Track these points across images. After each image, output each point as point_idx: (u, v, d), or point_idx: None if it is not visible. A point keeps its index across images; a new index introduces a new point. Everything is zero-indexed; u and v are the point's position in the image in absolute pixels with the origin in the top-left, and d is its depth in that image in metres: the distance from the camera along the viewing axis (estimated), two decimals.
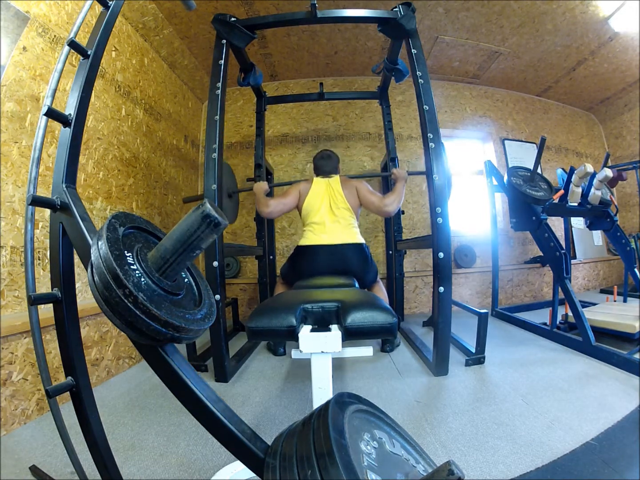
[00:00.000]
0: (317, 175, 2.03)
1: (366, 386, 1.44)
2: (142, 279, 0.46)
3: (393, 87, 2.74)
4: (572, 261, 3.34)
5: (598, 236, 3.94)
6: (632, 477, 0.81)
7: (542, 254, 2.41)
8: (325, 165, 2.02)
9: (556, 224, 3.08)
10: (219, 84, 1.66)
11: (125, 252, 0.48)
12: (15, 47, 1.35)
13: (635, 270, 2.28)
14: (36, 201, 0.64)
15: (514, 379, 1.44)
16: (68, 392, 0.66)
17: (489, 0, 2.43)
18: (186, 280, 0.59)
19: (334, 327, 0.83)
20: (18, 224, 1.33)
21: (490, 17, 2.59)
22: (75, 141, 0.72)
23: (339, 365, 1.69)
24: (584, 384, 1.35)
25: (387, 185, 2.74)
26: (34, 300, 0.62)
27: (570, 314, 1.97)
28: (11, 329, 1.13)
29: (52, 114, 0.69)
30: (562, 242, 2.13)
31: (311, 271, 1.80)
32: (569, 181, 2.03)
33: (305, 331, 0.81)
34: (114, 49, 1.98)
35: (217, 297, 1.50)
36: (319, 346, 0.77)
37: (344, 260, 1.81)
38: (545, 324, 2.14)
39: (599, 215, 2.25)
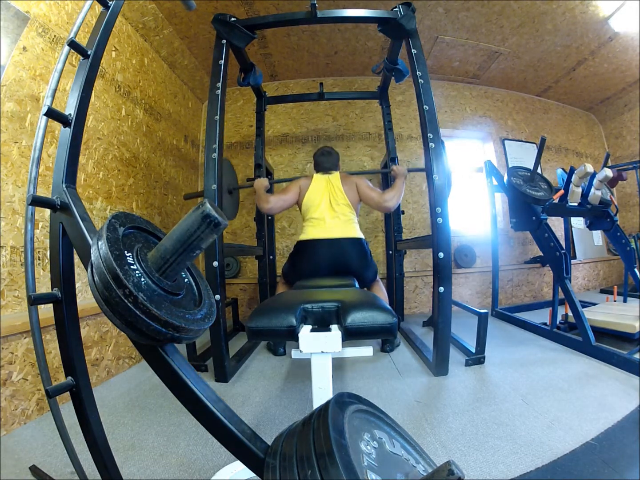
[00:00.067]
0: (317, 171, 2.04)
1: (366, 386, 1.44)
2: (142, 279, 0.46)
3: (393, 87, 2.74)
4: (572, 261, 3.34)
5: (598, 236, 3.94)
6: (632, 477, 0.81)
7: (542, 254, 2.41)
8: (325, 161, 2.03)
9: (556, 224, 3.08)
10: (219, 84, 1.66)
11: (125, 252, 0.48)
12: (15, 47, 1.35)
13: (635, 270, 2.28)
14: (36, 201, 0.64)
15: (514, 379, 1.44)
16: (68, 392, 0.66)
17: (489, 0, 2.43)
18: (186, 280, 0.59)
19: (334, 327, 0.83)
20: (18, 224, 1.33)
21: (490, 17, 2.60)
22: (75, 141, 0.72)
23: (339, 365, 1.69)
24: (584, 384, 1.35)
25: (387, 183, 2.73)
26: (34, 300, 0.62)
27: (570, 314, 1.96)
28: (11, 329, 1.13)
29: (52, 114, 0.69)
30: (562, 242, 2.13)
31: (311, 265, 1.82)
32: (569, 181, 2.03)
33: (305, 331, 0.81)
34: (114, 49, 1.98)
35: (217, 297, 1.50)
36: (319, 346, 0.77)
37: (342, 254, 1.82)
38: (545, 324, 2.14)
39: (599, 215, 2.25)
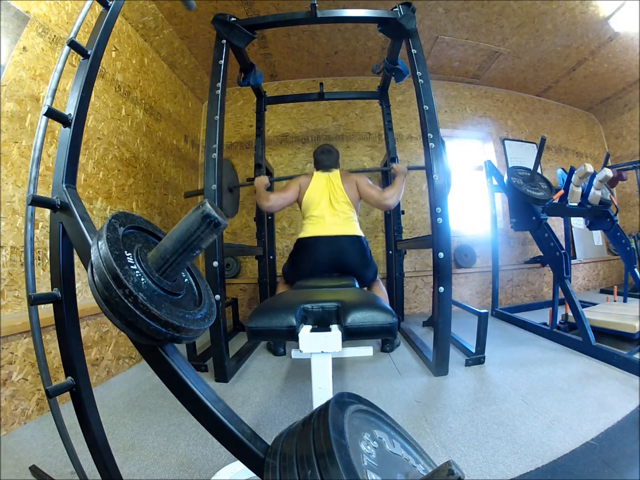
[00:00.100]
0: (318, 169, 2.04)
1: (366, 386, 1.44)
2: (142, 279, 0.46)
3: (393, 87, 2.74)
4: (572, 261, 3.34)
5: (598, 236, 3.93)
6: (632, 477, 0.81)
7: (542, 254, 2.41)
8: (325, 159, 2.03)
9: (556, 224, 3.08)
10: (219, 84, 1.66)
11: (125, 252, 0.48)
12: (15, 47, 1.35)
13: (635, 270, 2.28)
14: (36, 201, 0.64)
15: (514, 379, 1.44)
16: (68, 392, 0.66)
17: (489, 0, 2.43)
18: (186, 280, 0.59)
19: (334, 327, 0.83)
20: (18, 224, 1.33)
21: (490, 17, 2.59)
22: (75, 141, 0.72)
23: (339, 365, 1.69)
24: (584, 384, 1.35)
25: (387, 182, 2.73)
26: (34, 300, 0.62)
27: (570, 314, 1.97)
28: (11, 329, 1.13)
29: (52, 114, 0.69)
30: (562, 242, 2.13)
31: (311, 262, 1.83)
32: (569, 181, 2.03)
33: (305, 331, 0.81)
34: (114, 49, 1.98)
35: (217, 297, 1.50)
36: (319, 346, 0.77)
37: (342, 251, 1.82)
38: (545, 324, 2.14)
39: (599, 215, 2.25)
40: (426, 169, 1.63)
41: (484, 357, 1.65)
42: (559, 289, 1.92)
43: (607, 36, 2.77)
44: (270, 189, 2.16)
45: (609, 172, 2.02)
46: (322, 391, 0.79)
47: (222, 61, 1.70)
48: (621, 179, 2.43)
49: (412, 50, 1.70)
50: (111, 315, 0.44)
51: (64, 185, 0.68)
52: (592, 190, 2.06)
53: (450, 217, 1.55)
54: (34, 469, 0.90)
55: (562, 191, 2.04)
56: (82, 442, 0.68)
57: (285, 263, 2.03)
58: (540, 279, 3.38)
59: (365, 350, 1.18)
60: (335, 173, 1.98)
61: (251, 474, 0.49)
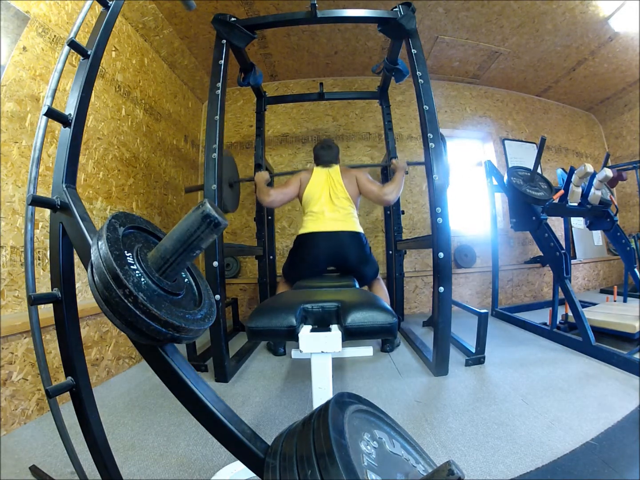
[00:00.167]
0: (318, 164, 2.04)
1: (366, 386, 1.44)
2: (142, 279, 0.46)
3: (393, 87, 2.74)
4: (572, 261, 3.34)
5: (598, 236, 3.93)
6: (632, 477, 0.81)
7: (542, 254, 2.41)
8: (325, 155, 2.03)
9: (556, 224, 3.08)
10: (219, 84, 1.66)
11: (125, 252, 0.48)
12: (15, 47, 1.35)
13: (635, 270, 2.28)
14: (36, 201, 0.64)
15: (514, 379, 1.44)
16: (68, 392, 0.66)
17: (489, 0, 2.43)
18: (186, 280, 0.59)
19: (334, 327, 0.83)
20: (18, 224, 1.33)
21: (490, 17, 2.59)
22: (75, 141, 0.72)
23: (339, 365, 1.69)
24: (584, 384, 1.35)
25: (387, 179, 2.73)
26: (34, 300, 0.62)
27: (570, 314, 1.97)
28: (11, 329, 1.13)
29: (52, 114, 0.69)
30: (562, 242, 2.13)
31: (310, 258, 1.84)
32: (569, 181, 2.03)
33: (305, 331, 0.81)
34: (114, 49, 1.98)
35: (217, 297, 1.50)
36: (319, 346, 0.77)
37: (341, 247, 1.83)
38: (545, 324, 2.14)
39: (599, 215, 2.25)
40: (426, 169, 1.63)
41: (484, 357, 1.65)
42: (559, 289, 1.92)
43: (607, 36, 2.77)
44: (270, 185, 2.17)
45: (609, 172, 2.02)
46: (322, 391, 0.79)
47: (222, 61, 1.70)
48: (621, 179, 2.43)
49: (412, 50, 1.70)
50: (111, 315, 0.44)
51: (64, 185, 0.68)
52: (592, 190, 2.06)
53: (450, 217, 1.55)
54: (34, 469, 0.90)
55: (562, 191, 2.04)
56: (82, 442, 0.68)
57: (285, 262, 2.03)
58: (540, 279, 3.38)
59: (365, 350, 1.18)
60: (335, 168, 1.98)
61: (251, 474, 0.49)
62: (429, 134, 1.59)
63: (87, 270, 0.49)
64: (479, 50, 3.02)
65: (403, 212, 2.70)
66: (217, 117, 1.62)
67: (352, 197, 1.93)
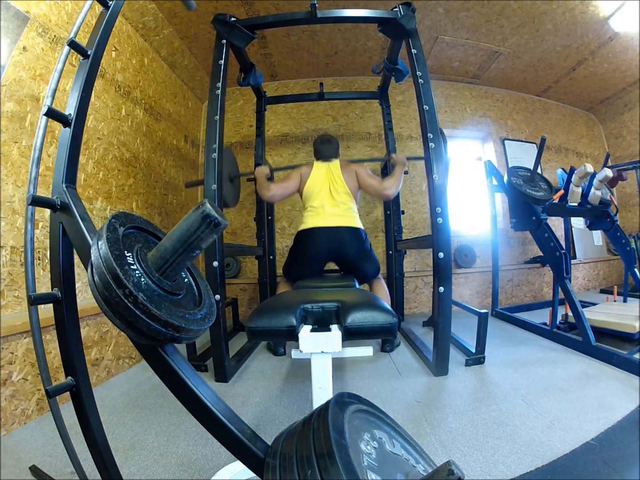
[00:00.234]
0: (318, 159, 2.04)
1: (366, 386, 1.44)
2: (142, 279, 0.46)
3: (393, 87, 2.74)
4: (572, 261, 3.34)
5: (598, 236, 3.94)
6: (632, 477, 0.81)
7: (542, 254, 2.41)
8: (325, 149, 2.04)
9: (556, 224, 3.08)
10: (219, 84, 1.66)
11: (125, 252, 0.48)
12: (15, 47, 1.35)
13: (635, 270, 2.28)
14: (36, 201, 0.64)
15: (514, 379, 1.44)
16: (68, 392, 0.66)
17: (489, 0, 2.43)
18: (186, 280, 0.59)
19: (334, 327, 0.83)
20: (18, 224, 1.33)
21: (490, 17, 2.59)
22: (75, 141, 0.72)
23: (339, 365, 1.69)
24: (584, 384, 1.35)
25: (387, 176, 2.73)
26: (34, 300, 0.62)
27: (570, 314, 1.97)
28: (11, 329, 1.13)
29: (52, 114, 0.69)
30: (562, 242, 2.13)
31: (310, 254, 1.85)
32: (569, 181, 2.03)
33: (305, 331, 0.81)
34: (114, 49, 1.98)
35: (217, 297, 1.50)
36: (319, 346, 0.77)
37: (341, 242, 1.83)
38: (545, 324, 2.14)
39: (599, 215, 2.25)
40: (426, 169, 1.63)
41: (484, 357, 1.65)
42: (559, 289, 1.92)
43: (607, 36, 2.77)
44: (270, 180, 2.17)
45: (609, 172, 2.02)
46: (322, 391, 0.79)
47: (222, 61, 1.70)
48: (621, 179, 2.43)
49: (412, 50, 1.70)
50: (111, 315, 0.44)
51: (64, 185, 0.68)
52: (592, 190, 2.06)
53: (450, 217, 1.55)
54: (34, 469, 0.90)
55: (562, 191, 2.04)
56: (82, 442, 0.68)
57: (285, 261, 2.03)
58: (540, 279, 3.38)
59: (365, 350, 1.18)
60: (335, 163, 1.98)
61: (251, 474, 0.49)
62: (429, 134, 1.59)
63: (87, 270, 0.49)
64: (479, 50, 3.02)
65: (403, 212, 2.70)
66: (217, 117, 1.62)
67: (351, 192, 1.93)
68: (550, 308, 2.04)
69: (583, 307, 1.81)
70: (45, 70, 1.48)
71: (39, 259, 1.42)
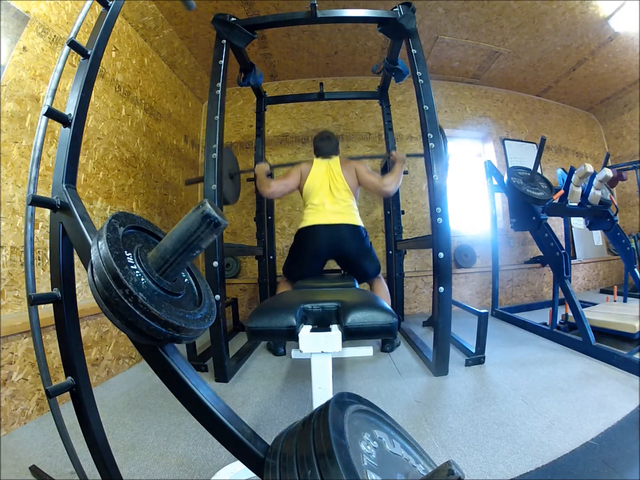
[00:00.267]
0: (317, 156, 2.05)
1: (366, 386, 1.44)
2: (142, 279, 0.46)
3: (393, 87, 2.74)
4: (572, 261, 3.34)
5: (598, 236, 3.93)
6: (632, 477, 0.81)
7: (542, 254, 2.41)
8: (325, 146, 2.04)
9: (556, 224, 3.08)
10: (219, 84, 1.66)
11: (125, 252, 0.48)
12: (15, 47, 1.35)
13: (635, 270, 2.28)
14: (36, 201, 0.64)
15: (514, 379, 1.44)
16: (68, 392, 0.66)
17: (489, 0, 2.43)
18: (186, 280, 0.59)
19: (334, 327, 0.83)
20: (18, 224, 1.33)
21: (490, 17, 2.59)
22: (75, 141, 0.72)
23: (339, 365, 1.69)
24: (584, 384, 1.35)
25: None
26: (34, 300, 0.62)
27: (570, 314, 1.96)
28: (11, 329, 1.13)
29: (52, 114, 0.69)
30: (562, 242, 2.13)
31: (311, 252, 1.85)
32: (569, 181, 2.03)
33: (305, 331, 0.81)
34: (114, 49, 1.98)
35: (217, 297, 1.50)
36: (319, 346, 0.77)
37: (341, 240, 1.84)
38: (545, 324, 2.14)
39: (599, 215, 2.25)
40: (426, 169, 1.63)
41: (484, 357, 1.65)
42: (559, 289, 1.92)
43: (607, 36, 2.77)
44: (269, 177, 2.17)
45: (609, 172, 2.02)
46: (322, 391, 0.79)
47: (222, 61, 1.70)
48: (621, 179, 2.43)
49: (412, 50, 1.70)
50: (111, 315, 0.44)
51: (64, 185, 0.68)
52: (592, 190, 2.06)
53: (450, 217, 1.55)
54: (34, 469, 0.90)
55: (562, 191, 2.04)
56: (82, 442, 0.68)
57: (286, 260, 2.03)
58: (540, 279, 3.38)
59: (365, 350, 1.18)
60: (335, 160, 1.99)
61: (251, 474, 0.49)
62: (429, 134, 1.59)
63: (87, 270, 0.49)
64: (479, 50, 3.02)
65: (403, 212, 2.70)
66: (217, 117, 1.62)
67: (351, 189, 1.94)
68: (550, 308, 2.04)
69: (583, 307, 1.81)
70: (45, 70, 1.48)
71: (39, 259, 1.42)
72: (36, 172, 0.73)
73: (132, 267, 0.46)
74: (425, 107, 1.62)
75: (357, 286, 1.54)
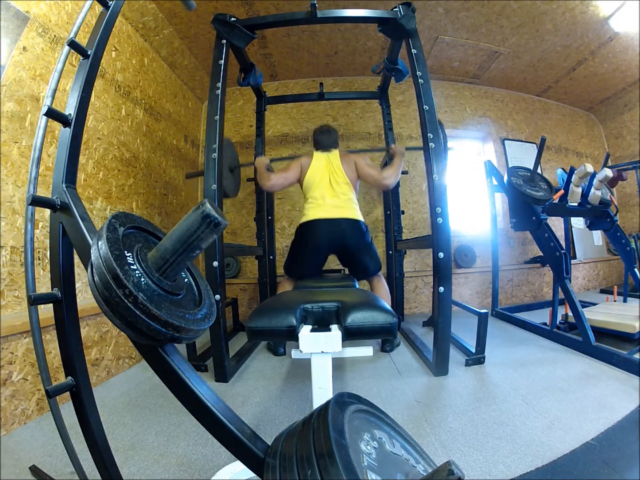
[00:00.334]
0: (317, 149, 2.05)
1: (366, 386, 1.44)
2: (142, 279, 0.46)
3: (393, 87, 2.74)
4: (572, 261, 3.34)
5: (598, 236, 3.93)
6: (632, 477, 0.81)
7: (542, 254, 2.41)
8: (325, 139, 2.04)
9: (556, 224, 3.08)
10: (219, 84, 1.66)
11: (125, 252, 0.48)
12: (15, 47, 1.35)
13: (635, 270, 2.28)
14: (36, 201, 0.64)
15: (514, 379, 1.44)
16: (68, 392, 0.66)
17: (489, 0, 2.43)
18: (186, 280, 0.59)
19: (334, 327, 0.83)
20: (18, 224, 1.33)
21: (490, 17, 2.59)
22: (75, 141, 0.72)
23: (339, 365, 1.69)
24: (584, 384, 1.35)
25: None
26: (34, 300, 0.62)
27: (570, 314, 1.96)
28: (11, 329, 1.13)
29: (52, 114, 0.69)
30: (562, 242, 2.13)
31: (312, 244, 1.86)
32: (569, 181, 2.03)
33: (305, 331, 0.81)
34: (114, 49, 1.98)
35: (217, 297, 1.50)
36: (319, 346, 0.77)
37: (342, 234, 1.84)
38: (545, 324, 2.14)
39: (599, 215, 2.25)
40: (426, 169, 1.63)
41: (484, 357, 1.65)
42: (559, 289, 1.92)
43: (607, 36, 2.77)
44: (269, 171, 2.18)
45: (609, 172, 2.02)
46: (322, 391, 0.79)
47: (222, 61, 1.70)
48: (621, 179, 2.43)
49: (412, 50, 1.70)
50: (111, 315, 0.44)
51: (64, 185, 0.68)
52: (592, 190, 2.06)
53: (450, 217, 1.55)
54: (34, 469, 0.90)
55: (562, 191, 2.04)
56: (82, 442, 0.68)
57: (287, 257, 2.03)
58: (540, 279, 3.38)
59: (365, 350, 1.18)
60: (335, 153, 1.99)
61: (251, 474, 0.49)
62: (429, 134, 1.59)
63: (87, 270, 0.49)
64: (479, 50, 3.02)
65: (403, 212, 2.70)
66: (217, 117, 1.62)
67: (351, 182, 1.94)
68: (550, 308, 2.04)
69: (583, 307, 1.81)
70: (45, 70, 1.48)
71: (39, 259, 1.42)
72: (36, 172, 0.73)
73: (132, 267, 0.46)
74: (425, 107, 1.62)
75: (357, 286, 1.54)
